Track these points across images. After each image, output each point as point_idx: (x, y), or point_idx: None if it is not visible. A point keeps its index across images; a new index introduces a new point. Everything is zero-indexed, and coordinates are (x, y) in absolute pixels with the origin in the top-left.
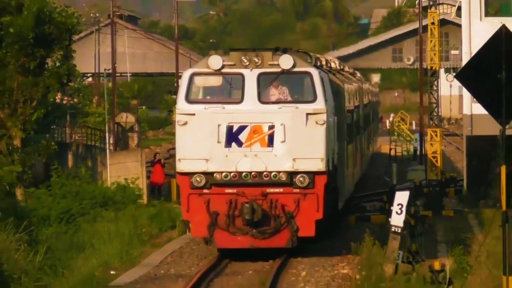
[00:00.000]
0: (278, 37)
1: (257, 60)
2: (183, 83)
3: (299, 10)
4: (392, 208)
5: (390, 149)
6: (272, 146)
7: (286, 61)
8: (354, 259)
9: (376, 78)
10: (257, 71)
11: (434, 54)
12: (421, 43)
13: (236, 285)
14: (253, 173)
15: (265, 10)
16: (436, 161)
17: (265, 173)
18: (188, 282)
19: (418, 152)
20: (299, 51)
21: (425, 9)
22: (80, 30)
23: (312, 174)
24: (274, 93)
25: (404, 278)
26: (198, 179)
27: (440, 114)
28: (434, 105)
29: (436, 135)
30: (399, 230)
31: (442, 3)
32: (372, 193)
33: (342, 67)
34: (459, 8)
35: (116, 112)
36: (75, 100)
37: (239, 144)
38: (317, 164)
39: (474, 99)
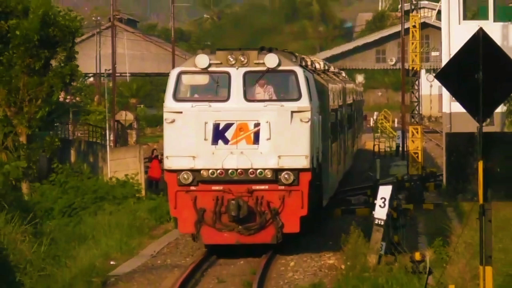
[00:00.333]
0: (268, 39)
1: (243, 59)
2: (171, 82)
3: (288, 13)
4: (375, 201)
5: (374, 145)
6: (258, 144)
7: (271, 60)
8: (340, 250)
9: (360, 78)
10: (243, 70)
11: (416, 55)
12: (403, 45)
13: (228, 274)
14: (239, 170)
15: (256, 13)
16: (417, 157)
17: (251, 170)
18: (183, 272)
19: (400, 149)
20: (284, 51)
21: (407, 13)
22: (82, 32)
23: (296, 171)
24: (260, 91)
25: (386, 268)
26: (185, 176)
27: (421, 112)
28: (415, 103)
29: (417, 132)
30: (382, 223)
31: (423, 7)
32: (357, 187)
33: (327, 67)
34: (439, 12)
35: (116, 110)
36: (78, 98)
37: (226, 141)
38: (302, 161)
39: (453, 98)
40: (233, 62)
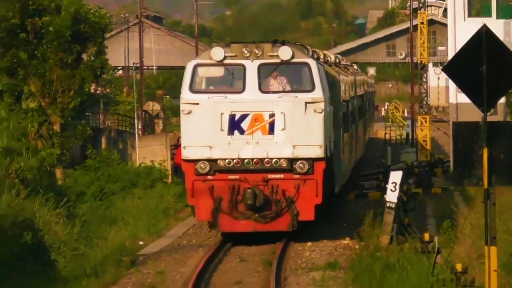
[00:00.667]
0: (284, 35)
1: (257, 52)
2: (187, 74)
3: (304, 11)
4: (387, 186)
5: (385, 134)
6: (273, 134)
7: (285, 52)
8: (354, 232)
9: (372, 71)
10: (258, 62)
11: (424, 50)
12: (411, 41)
13: (249, 253)
14: (255, 160)
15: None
16: (426, 144)
17: (266, 159)
18: (208, 251)
19: (410, 137)
20: (296, 44)
21: (415, 10)
22: (112, 28)
23: (311, 161)
24: (274, 83)
25: (398, 248)
26: (202, 165)
27: (429, 103)
28: (424, 95)
29: (425, 122)
30: (393, 206)
31: (430, 5)
32: (370, 173)
33: (338, 60)
34: (445, 10)
35: (143, 101)
36: (108, 90)
37: (241, 132)
38: (316, 150)
39: (459, 90)
40: (248, 55)
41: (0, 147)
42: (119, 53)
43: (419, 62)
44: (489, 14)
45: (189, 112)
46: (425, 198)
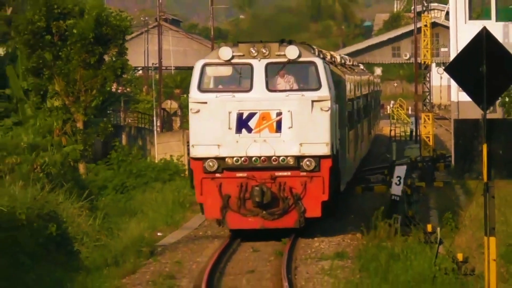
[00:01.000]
0: (294, 36)
1: (264, 51)
2: (195, 73)
3: (314, 14)
4: (392, 180)
5: (390, 130)
6: (280, 132)
7: (292, 52)
8: (361, 224)
9: (378, 71)
10: (265, 61)
11: (427, 51)
12: (416, 42)
13: (261, 244)
14: (262, 158)
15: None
16: (429, 140)
17: (273, 157)
18: (223, 242)
19: (413, 133)
20: (303, 43)
21: (419, 14)
22: (132, 31)
23: (318, 158)
24: (281, 81)
25: (402, 238)
26: (210, 163)
27: (432, 101)
28: (427, 93)
29: (428, 119)
30: (398, 198)
31: (433, 9)
32: (375, 168)
33: (344, 61)
34: (447, 13)
35: (162, 100)
36: (128, 89)
37: (249, 130)
38: (323, 148)
39: (460, 89)
40: (255, 54)
41: (26, 143)
42: (139, 54)
43: (422, 62)
44: (489, 17)
45: (198, 111)
46: (428, 191)
